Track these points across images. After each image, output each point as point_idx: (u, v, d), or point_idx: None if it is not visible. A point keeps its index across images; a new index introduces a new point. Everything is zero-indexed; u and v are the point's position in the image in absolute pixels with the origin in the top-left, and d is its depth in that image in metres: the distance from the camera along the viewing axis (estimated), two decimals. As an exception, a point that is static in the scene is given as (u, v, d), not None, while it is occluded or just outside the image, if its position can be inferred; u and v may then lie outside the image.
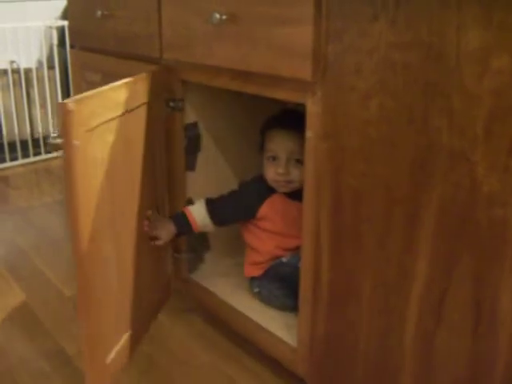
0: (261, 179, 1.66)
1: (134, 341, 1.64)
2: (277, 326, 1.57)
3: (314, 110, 1.22)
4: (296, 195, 1.59)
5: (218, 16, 1.36)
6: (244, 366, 1.64)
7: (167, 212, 1.75)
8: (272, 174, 1.61)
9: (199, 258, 1.85)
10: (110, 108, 1.37)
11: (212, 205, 1.67)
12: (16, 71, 3.42)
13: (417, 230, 1.12)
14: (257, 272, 1.71)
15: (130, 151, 1.49)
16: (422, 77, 1.05)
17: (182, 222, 1.67)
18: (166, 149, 1.68)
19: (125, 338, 1.58)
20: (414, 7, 1.03)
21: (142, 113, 1.52)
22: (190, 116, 1.71)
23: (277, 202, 1.64)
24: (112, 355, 1.51)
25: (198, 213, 1.67)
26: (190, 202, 1.76)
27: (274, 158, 1.61)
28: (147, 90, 1.54)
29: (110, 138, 1.38)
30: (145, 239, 1.61)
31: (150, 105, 1.56)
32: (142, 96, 1.52)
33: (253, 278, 1.72)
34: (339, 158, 1.21)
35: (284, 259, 1.65)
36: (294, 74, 1.24)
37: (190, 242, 1.79)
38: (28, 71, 3.47)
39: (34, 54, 3.55)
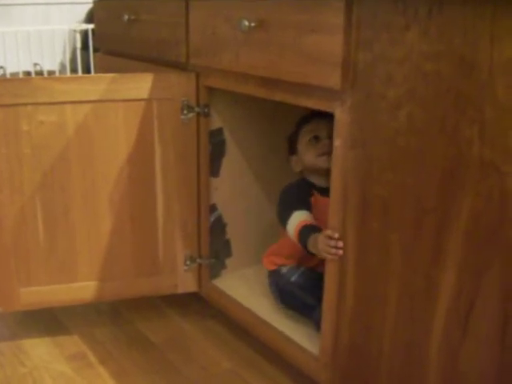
0: (299, 181, 1.68)
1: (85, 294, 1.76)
2: (298, 333, 1.56)
3: (342, 118, 1.21)
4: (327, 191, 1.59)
5: (246, 23, 1.36)
6: (264, 373, 1.64)
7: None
8: (314, 152, 1.62)
9: (221, 264, 1.85)
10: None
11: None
12: (39, 73, 3.45)
13: (445, 241, 1.11)
14: (270, 266, 1.72)
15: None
16: (453, 87, 1.04)
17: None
18: (181, 153, 1.69)
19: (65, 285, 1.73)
20: (447, 17, 1.02)
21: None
22: (215, 122, 1.71)
23: (317, 199, 1.64)
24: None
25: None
26: (214, 207, 1.76)
27: (316, 138, 1.62)
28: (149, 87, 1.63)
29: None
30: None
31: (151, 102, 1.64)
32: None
33: (269, 275, 1.73)
34: (367, 167, 1.21)
35: (284, 269, 1.66)
36: (322, 82, 1.23)
37: (213, 248, 1.79)
38: (51, 74, 3.50)
39: (57, 56, 3.58)
